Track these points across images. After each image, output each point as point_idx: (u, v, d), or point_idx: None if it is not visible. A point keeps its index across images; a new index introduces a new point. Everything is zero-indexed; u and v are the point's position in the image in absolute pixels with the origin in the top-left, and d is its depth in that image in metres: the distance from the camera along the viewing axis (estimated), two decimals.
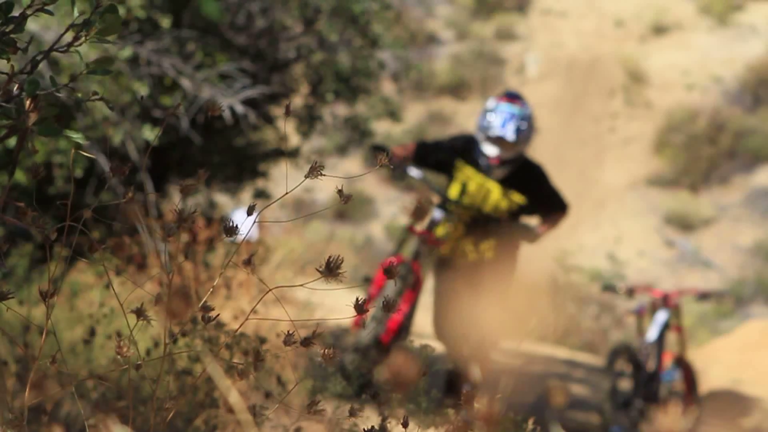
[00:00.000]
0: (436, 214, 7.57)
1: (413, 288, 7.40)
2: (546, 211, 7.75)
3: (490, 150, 7.60)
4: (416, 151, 7.76)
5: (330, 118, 10.15)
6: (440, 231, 7.57)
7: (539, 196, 7.74)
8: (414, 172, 7.62)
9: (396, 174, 7.70)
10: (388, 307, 6.84)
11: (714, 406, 12.00)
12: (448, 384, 7.62)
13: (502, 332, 7.11)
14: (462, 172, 7.70)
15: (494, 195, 7.66)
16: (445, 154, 7.71)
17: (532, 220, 7.84)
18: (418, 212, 6.91)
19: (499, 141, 7.56)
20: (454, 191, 7.72)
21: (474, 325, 7.39)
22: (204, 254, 7.74)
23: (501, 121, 7.59)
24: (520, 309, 6.82)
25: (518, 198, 7.68)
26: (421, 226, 7.54)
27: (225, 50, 9.13)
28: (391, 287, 7.11)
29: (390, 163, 7.36)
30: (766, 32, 39.09)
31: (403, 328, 7.32)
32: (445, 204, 7.59)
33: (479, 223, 7.61)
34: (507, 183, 7.68)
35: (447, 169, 7.77)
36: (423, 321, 8.70)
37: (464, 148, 7.71)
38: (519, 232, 7.57)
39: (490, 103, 7.69)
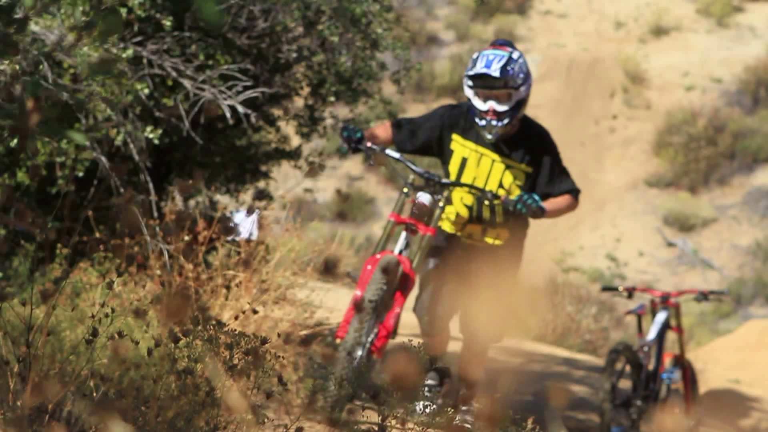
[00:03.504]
0: (422, 197, 6.68)
1: (402, 289, 6.51)
2: (551, 187, 6.76)
3: (480, 104, 6.63)
4: (395, 135, 6.86)
5: (330, 119, 10.17)
6: (435, 215, 6.68)
7: (544, 166, 6.77)
8: (393, 153, 6.72)
9: (370, 158, 6.69)
10: (379, 314, 6.20)
11: (713, 406, 12.01)
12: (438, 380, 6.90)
13: (502, 329, 6.78)
14: (459, 147, 6.79)
15: (497, 168, 6.76)
16: (433, 131, 6.79)
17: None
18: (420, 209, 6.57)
19: (484, 81, 6.60)
20: (452, 170, 6.80)
21: (474, 319, 6.72)
22: (204, 254, 7.76)
23: (485, 61, 6.66)
24: (520, 308, 6.76)
25: (523, 173, 6.76)
26: (406, 213, 6.69)
27: (226, 51, 9.15)
28: (376, 289, 6.29)
29: (365, 148, 6.61)
30: (765, 33, 39.10)
31: (392, 333, 6.47)
32: (432, 185, 6.69)
33: (481, 203, 6.74)
34: (511, 150, 6.75)
35: (440, 148, 6.84)
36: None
37: (456, 120, 6.78)
38: (521, 207, 6.56)
39: (475, 54, 6.80)
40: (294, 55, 9.53)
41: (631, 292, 9.36)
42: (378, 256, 6.49)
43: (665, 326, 9.13)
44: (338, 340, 6.19)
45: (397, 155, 6.70)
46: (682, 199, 35.48)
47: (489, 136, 6.66)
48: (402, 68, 9.87)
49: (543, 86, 38.39)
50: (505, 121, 6.63)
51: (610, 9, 41.25)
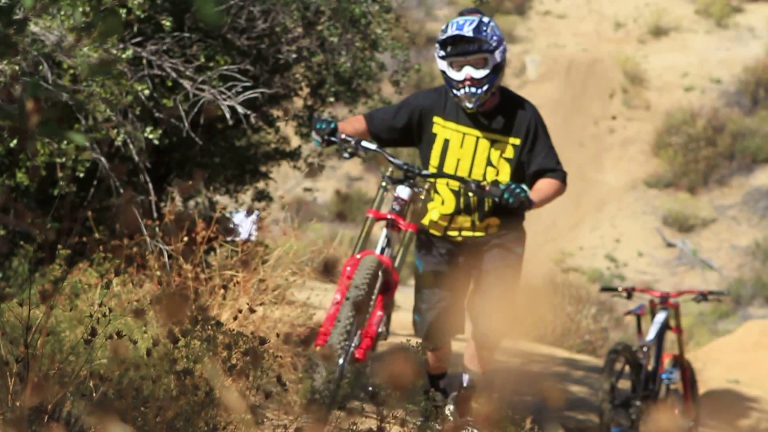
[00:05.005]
0: (401, 191, 6.24)
1: (385, 291, 6.06)
2: (532, 158, 6.38)
3: (456, 74, 6.28)
4: (369, 125, 6.46)
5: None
6: (418, 209, 6.26)
7: (528, 136, 6.37)
8: (369, 144, 6.29)
9: (345, 151, 6.25)
10: (360, 320, 5.86)
11: (712, 406, 12.03)
12: (432, 384, 6.64)
13: (507, 330, 6.57)
14: (441, 129, 6.40)
15: (483, 144, 6.37)
16: (413, 115, 6.41)
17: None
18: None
19: (457, 45, 6.25)
20: (434, 155, 6.41)
21: (484, 321, 6.36)
22: (203, 255, 7.76)
23: (455, 25, 6.31)
24: (521, 308, 6.69)
25: (511, 147, 6.36)
26: (385, 208, 6.26)
27: (226, 52, 9.16)
28: (359, 292, 5.84)
29: (339, 140, 6.21)
30: (764, 34, 39.13)
31: (378, 338, 6.06)
32: (411, 177, 6.25)
33: (465, 193, 6.35)
34: (494, 123, 6.38)
35: (420, 134, 6.45)
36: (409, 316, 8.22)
37: (435, 103, 6.41)
38: (508, 196, 6.13)
39: (443, 26, 6.41)
40: (293, 55, 9.54)
41: (630, 293, 9.36)
42: (358, 256, 6.06)
43: (664, 326, 9.13)
44: (318, 348, 5.80)
45: (373, 146, 6.28)
46: (682, 200, 35.50)
47: (469, 105, 6.28)
48: (401, 69, 9.88)
49: (542, 87, 38.41)
50: (485, 87, 6.26)
51: (610, 9, 41.27)
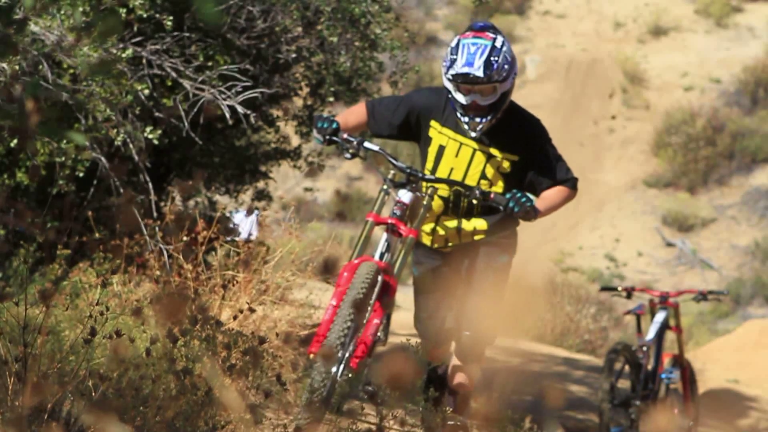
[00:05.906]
0: (402, 195, 6.05)
1: (383, 297, 5.86)
2: (545, 180, 6.19)
3: (462, 98, 6.04)
4: (370, 120, 6.31)
5: None
6: (419, 215, 6.08)
7: (535, 158, 6.19)
8: (371, 145, 6.08)
9: (347, 151, 6.07)
10: (358, 324, 5.71)
11: (712, 406, 12.03)
12: (430, 382, 6.46)
13: (497, 329, 6.50)
14: (437, 134, 6.22)
15: (479, 157, 6.18)
16: (410, 116, 6.23)
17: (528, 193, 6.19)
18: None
19: (466, 79, 6.01)
20: (429, 159, 6.24)
21: (467, 321, 6.26)
22: (203, 254, 7.77)
23: (465, 56, 6.06)
24: (517, 307, 6.66)
25: (508, 162, 6.18)
26: (385, 212, 6.06)
27: (226, 52, 9.16)
28: (355, 299, 5.65)
29: (341, 140, 6.04)
30: (763, 34, 39.13)
31: (375, 344, 5.84)
32: (411, 180, 6.05)
33: (461, 198, 6.16)
34: (493, 138, 6.16)
35: (417, 133, 6.28)
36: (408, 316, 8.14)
37: (434, 106, 6.21)
38: (513, 205, 5.97)
39: (453, 41, 6.16)
40: (293, 55, 9.54)
41: (630, 292, 9.36)
42: (355, 261, 5.83)
43: (664, 326, 9.13)
44: (311, 356, 5.59)
45: (375, 148, 6.06)
46: (681, 200, 35.51)
47: (473, 135, 6.09)
48: (399, 70, 9.88)
49: (542, 86, 38.42)
50: (490, 116, 6.05)
51: (609, 9, 41.27)
